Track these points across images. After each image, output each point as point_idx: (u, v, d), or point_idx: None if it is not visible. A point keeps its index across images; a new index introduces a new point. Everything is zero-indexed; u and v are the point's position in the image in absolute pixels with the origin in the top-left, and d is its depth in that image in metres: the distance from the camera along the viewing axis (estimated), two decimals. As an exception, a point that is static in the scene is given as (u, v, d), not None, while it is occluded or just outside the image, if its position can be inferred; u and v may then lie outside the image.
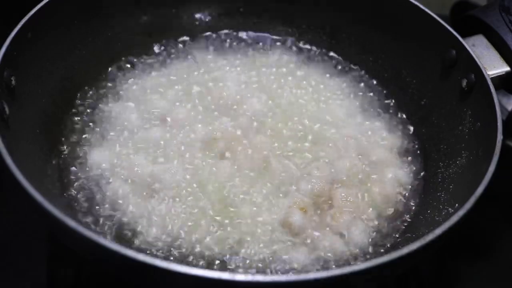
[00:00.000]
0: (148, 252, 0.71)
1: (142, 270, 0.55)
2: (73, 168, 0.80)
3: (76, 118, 0.86)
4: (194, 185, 0.78)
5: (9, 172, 0.60)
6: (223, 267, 0.71)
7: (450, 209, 0.73)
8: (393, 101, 0.95)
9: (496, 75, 0.82)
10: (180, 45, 1.00)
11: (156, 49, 0.99)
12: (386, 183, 0.82)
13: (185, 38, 1.01)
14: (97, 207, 0.76)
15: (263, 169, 0.81)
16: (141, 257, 0.54)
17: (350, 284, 0.58)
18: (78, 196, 0.77)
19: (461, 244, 0.87)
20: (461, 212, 0.63)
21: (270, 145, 0.84)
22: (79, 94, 0.89)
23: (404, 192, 0.82)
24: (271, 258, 0.72)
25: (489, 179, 0.66)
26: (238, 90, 0.92)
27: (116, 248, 0.55)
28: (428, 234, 0.60)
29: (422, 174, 0.85)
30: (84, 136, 0.84)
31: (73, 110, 0.87)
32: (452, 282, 0.86)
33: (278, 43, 1.03)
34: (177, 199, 0.76)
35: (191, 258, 0.71)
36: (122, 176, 0.79)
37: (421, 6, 0.89)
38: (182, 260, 0.71)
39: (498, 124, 0.72)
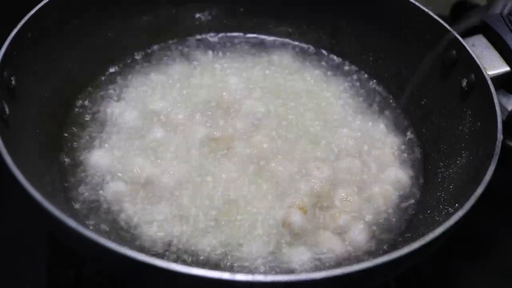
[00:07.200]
0: (148, 252, 0.71)
1: (142, 270, 0.55)
2: (73, 168, 0.80)
3: (76, 118, 0.86)
4: (194, 185, 0.78)
5: (9, 172, 0.60)
6: (223, 267, 0.71)
7: (450, 209, 0.72)
8: (393, 101, 0.95)
9: (496, 75, 0.82)
10: (180, 45, 1.00)
11: (156, 49, 0.99)
12: (386, 183, 0.82)
13: (185, 38, 1.01)
14: (96, 207, 0.76)
15: (263, 169, 0.81)
16: (141, 257, 0.54)
17: (350, 284, 0.58)
18: (78, 196, 0.77)
19: (461, 244, 0.87)
20: (461, 212, 0.63)
21: (270, 145, 0.84)
22: (79, 94, 0.89)
23: (404, 192, 0.82)
24: (271, 258, 0.72)
25: (489, 179, 0.66)
26: (238, 90, 0.92)
27: (116, 248, 0.54)
28: (428, 234, 0.60)
29: (422, 174, 0.85)
30: (84, 136, 0.84)
31: (73, 110, 0.87)
32: (452, 282, 0.86)
33: (278, 43, 1.03)
34: (177, 199, 0.76)
35: (191, 258, 0.71)
36: (122, 177, 0.79)
37: (421, 6, 0.89)
38: (182, 260, 0.71)
39: (498, 124, 0.72)
